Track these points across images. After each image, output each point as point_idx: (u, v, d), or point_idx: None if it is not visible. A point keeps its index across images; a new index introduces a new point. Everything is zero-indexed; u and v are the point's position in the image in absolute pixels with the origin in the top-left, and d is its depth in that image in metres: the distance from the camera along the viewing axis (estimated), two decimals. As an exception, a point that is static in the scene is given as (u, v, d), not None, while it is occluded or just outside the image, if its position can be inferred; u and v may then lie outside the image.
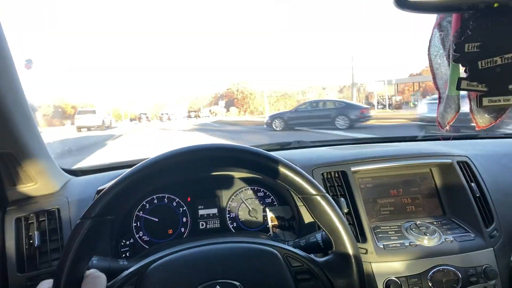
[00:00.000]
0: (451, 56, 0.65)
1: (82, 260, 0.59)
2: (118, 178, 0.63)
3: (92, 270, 0.62)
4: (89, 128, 22.41)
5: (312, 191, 0.67)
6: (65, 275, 0.56)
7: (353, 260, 0.66)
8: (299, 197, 0.68)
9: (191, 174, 1.17)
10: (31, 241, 0.98)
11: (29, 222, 1.00)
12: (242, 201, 1.20)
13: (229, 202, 1.19)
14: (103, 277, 0.61)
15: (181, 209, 1.16)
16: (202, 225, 1.16)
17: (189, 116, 67.59)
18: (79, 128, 22.14)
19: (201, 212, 1.17)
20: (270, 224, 1.15)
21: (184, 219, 1.16)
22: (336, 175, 1.14)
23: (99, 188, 1.07)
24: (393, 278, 0.95)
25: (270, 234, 1.13)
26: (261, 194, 1.21)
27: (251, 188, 1.21)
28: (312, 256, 0.69)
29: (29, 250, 0.97)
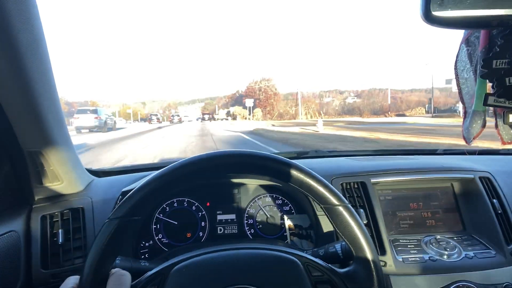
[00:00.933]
0: (478, 71, 0.65)
1: (108, 258, 0.61)
2: (146, 180, 0.65)
3: (117, 269, 0.64)
4: (90, 129, 21.26)
5: (335, 202, 0.67)
6: (92, 272, 0.58)
7: (374, 272, 0.66)
8: (321, 207, 0.69)
9: (215, 180, 1.18)
10: (55, 239, 1.00)
11: (54, 220, 1.03)
12: (260, 208, 1.20)
13: (247, 209, 1.20)
14: (128, 275, 0.63)
15: (200, 213, 1.18)
16: (220, 230, 1.18)
17: (203, 119, 63.68)
18: (78, 129, 20.99)
19: (219, 217, 1.19)
20: (287, 232, 1.16)
21: (203, 224, 1.17)
22: (356, 186, 1.14)
23: (123, 190, 1.10)
24: None
25: (287, 242, 1.14)
26: (279, 201, 1.22)
27: (270, 196, 1.22)
28: (332, 266, 0.69)
29: (53, 248, 1.00)
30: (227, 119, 58.92)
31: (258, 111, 54.52)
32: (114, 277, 0.62)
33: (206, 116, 65.41)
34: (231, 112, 60.28)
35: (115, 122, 26.45)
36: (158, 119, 52.40)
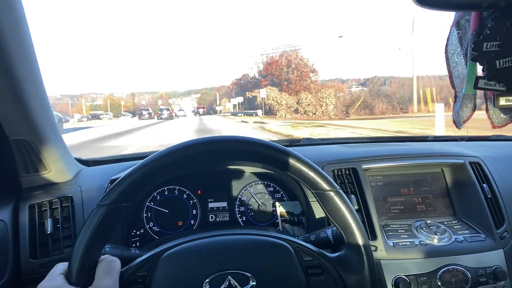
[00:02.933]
0: (468, 54, 0.65)
1: (97, 245, 0.61)
2: (135, 166, 0.64)
3: (107, 255, 0.63)
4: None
5: (326, 187, 0.67)
6: (80, 259, 0.58)
7: (365, 257, 0.66)
8: (312, 192, 0.69)
9: (205, 166, 1.18)
10: (43, 228, 0.99)
11: (42, 209, 1.02)
12: (252, 196, 1.20)
13: (239, 196, 1.20)
14: (117, 261, 0.62)
15: (191, 201, 1.17)
16: (212, 218, 1.17)
17: (197, 113, 56.74)
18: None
19: (211, 205, 1.19)
20: (279, 219, 1.16)
21: (194, 212, 1.17)
22: (347, 172, 1.14)
23: (112, 178, 1.09)
24: (402, 276, 0.95)
25: (279, 229, 1.14)
26: (271, 189, 1.22)
27: (261, 183, 1.22)
28: (323, 251, 0.70)
29: (42, 237, 0.99)
30: (240, 116, 40.39)
31: (285, 97, 35.36)
32: (104, 263, 0.61)
33: (201, 110, 58.05)
34: (262, 99, 36.86)
35: (61, 120, 14.46)
36: (149, 114, 45.79)
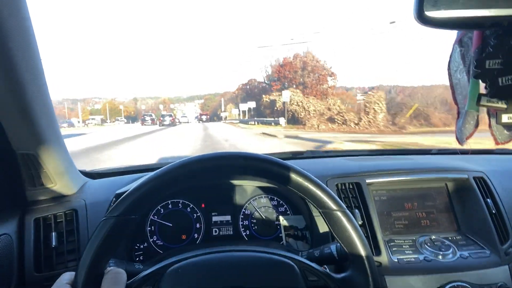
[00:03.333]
0: (471, 72, 0.65)
1: (104, 257, 0.61)
2: (144, 179, 0.65)
3: (113, 267, 0.64)
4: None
5: (333, 207, 0.67)
6: (87, 270, 0.58)
7: (370, 278, 0.65)
8: (319, 211, 0.69)
9: (211, 181, 1.18)
10: (48, 242, 0.99)
11: (47, 222, 1.02)
12: (256, 209, 1.20)
13: (243, 210, 1.20)
14: (124, 273, 0.62)
15: (195, 215, 1.17)
16: (215, 231, 1.17)
17: (201, 119, 55.38)
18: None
19: (214, 218, 1.18)
20: (283, 233, 1.15)
21: (198, 225, 1.16)
22: (351, 187, 1.14)
23: (117, 192, 1.09)
24: None
25: (283, 243, 1.14)
26: (274, 203, 1.21)
27: (265, 197, 1.22)
28: (329, 271, 0.69)
29: (46, 251, 0.99)
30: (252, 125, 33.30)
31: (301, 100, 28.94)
32: (110, 275, 0.61)
33: (204, 117, 57.14)
34: (284, 104, 30.27)
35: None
36: (152, 119, 44.99)
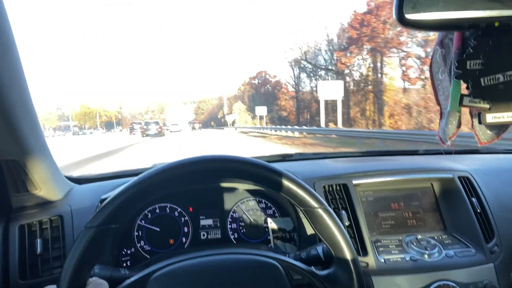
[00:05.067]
0: (452, 72, 0.66)
1: (85, 268, 0.60)
2: (123, 187, 0.64)
3: (94, 278, 0.63)
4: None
5: (314, 204, 0.67)
6: (68, 282, 0.58)
7: (354, 274, 0.66)
8: (301, 210, 0.69)
9: (194, 185, 1.17)
10: (33, 249, 0.98)
11: (32, 229, 1.00)
12: (244, 212, 1.20)
13: (231, 213, 1.20)
14: (105, 284, 0.62)
15: (183, 219, 1.17)
16: (204, 235, 1.17)
17: (193, 127, 48.62)
18: None
19: (202, 222, 1.18)
20: (271, 235, 1.15)
21: (186, 229, 1.16)
22: (338, 188, 1.14)
23: (102, 197, 1.08)
24: None
25: (271, 246, 1.14)
26: (262, 205, 1.21)
27: (253, 199, 1.22)
28: (313, 269, 0.69)
29: (32, 258, 0.97)
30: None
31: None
32: (91, 286, 0.61)
33: (197, 125, 50.72)
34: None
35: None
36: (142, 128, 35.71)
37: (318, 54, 33.09)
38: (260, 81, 42.01)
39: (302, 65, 34.63)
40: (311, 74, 33.95)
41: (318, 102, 23.91)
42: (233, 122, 47.07)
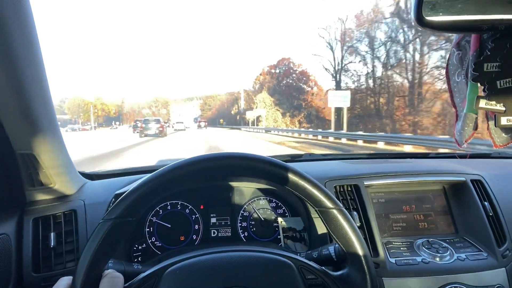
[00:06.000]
0: (469, 75, 0.66)
1: (102, 260, 0.61)
2: (141, 181, 0.65)
3: (110, 270, 0.64)
4: None
5: (330, 205, 0.68)
6: (84, 273, 0.58)
7: (368, 276, 0.66)
8: (315, 210, 0.69)
9: (209, 182, 1.18)
10: (47, 242, 0.99)
11: (46, 223, 1.02)
12: (254, 211, 1.20)
13: (241, 212, 1.20)
14: (121, 277, 0.63)
15: (194, 216, 1.18)
16: (214, 233, 1.17)
17: (199, 126, 47.83)
18: None
19: (213, 220, 1.19)
20: (281, 234, 1.16)
21: (196, 227, 1.17)
22: (349, 189, 1.14)
23: (116, 193, 1.09)
24: None
25: (281, 245, 1.14)
26: (273, 204, 1.22)
27: (264, 198, 1.22)
28: (326, 269, 0.70)
29: (45, 251, 0.99)
30: None
31: None
32: (107, 278, 0.61)
33: (202, 124, 49.80)
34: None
35: None
36: None
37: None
38: (281, 69, 33.97)
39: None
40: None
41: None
42: (257, 120, 36.62)
